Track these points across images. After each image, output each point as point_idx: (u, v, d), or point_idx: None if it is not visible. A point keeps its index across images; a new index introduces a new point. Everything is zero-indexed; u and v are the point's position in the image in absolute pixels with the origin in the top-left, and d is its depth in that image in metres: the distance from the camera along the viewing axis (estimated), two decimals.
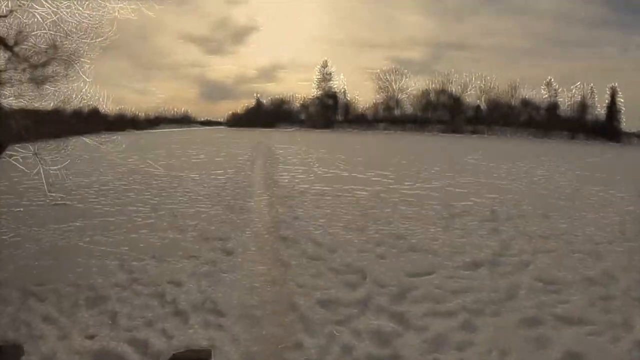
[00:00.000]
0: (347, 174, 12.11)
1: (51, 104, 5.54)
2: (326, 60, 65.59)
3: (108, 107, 6.55)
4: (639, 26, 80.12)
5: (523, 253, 5.31)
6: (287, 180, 10.73)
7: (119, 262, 4.78)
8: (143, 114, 76.24)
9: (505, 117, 60.03)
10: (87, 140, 6.31)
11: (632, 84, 55.37)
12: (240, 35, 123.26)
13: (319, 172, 12.57)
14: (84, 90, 5.67)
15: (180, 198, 8.46)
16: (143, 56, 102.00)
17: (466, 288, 4.10)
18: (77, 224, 6.43)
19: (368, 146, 27.28)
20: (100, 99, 6.00)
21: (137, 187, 9.98)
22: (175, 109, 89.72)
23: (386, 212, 7.44)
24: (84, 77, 5.81)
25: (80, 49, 5.22)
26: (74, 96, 5.80)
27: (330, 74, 65.26)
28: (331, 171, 12.75)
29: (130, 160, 16.39)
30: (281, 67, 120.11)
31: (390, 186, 10.13)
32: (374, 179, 11.33)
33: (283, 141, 29.29)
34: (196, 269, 4.56)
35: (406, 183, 10.62)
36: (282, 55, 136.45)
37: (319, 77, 65.56)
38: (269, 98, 74.09)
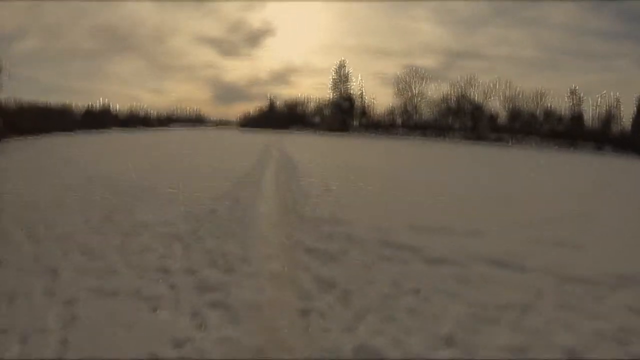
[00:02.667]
0: (406, 197, 7.59)
1: None
2: (343, 60, 61.10)
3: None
4: None
5: None
6: (316, 209, 6.23)
7: None
8: (155, 113, 74.38)
9: (527, 126, 55.21)
10: None
11: None
12: (254, 38, 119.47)
13: (362, 192, 8.00)
14: None
15: (115, 248, 4.09)
16: (158, 57, 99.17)
17: None
18: None
19: (402, 153, 22.74)
20: None
21: (75, 208, 5.71)
22: (189, 109, 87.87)
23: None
24: None
25: None
26: None
27: (347, 75, 60.89)
28: (380, 192, 8.17)
29: (103, 162, 12.15)
30: (294, 71, 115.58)
31: (496, 226, 5.65)
32: (453, 214, 6.84)
33: (299, 144, 24.91)
34: None
35: (515, 237, 6.07)
36: (295, 59, 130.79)
37: (335, 78, 61.18)
38: (283, 100, 69.99)
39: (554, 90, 56.09)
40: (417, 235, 4.91)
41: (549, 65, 77.64)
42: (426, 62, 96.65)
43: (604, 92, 54.33)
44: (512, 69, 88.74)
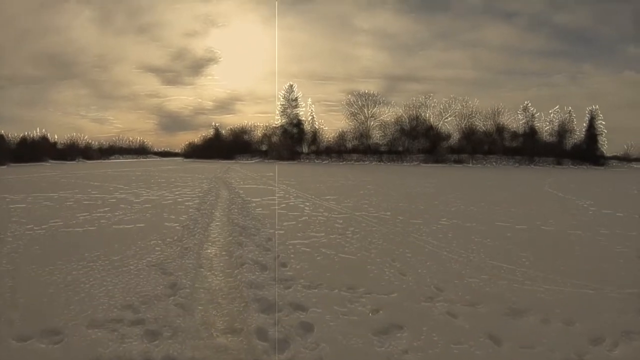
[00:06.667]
0: None
1: None
2: (291, 85, 55.49)
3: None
4: (587, 55, 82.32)
5: None
6: None
7: None
8: (97, 144, 68.70)
9: (480, 144, 52.09)
10: None
11: (582, 109, 53.06)
12: (198, 66, 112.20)
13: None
14: None
15: None
16: (101, 85, 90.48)
17: None
18: None
19: (383, 185, 16.75)
20: None
21: None
22: (132, 139, 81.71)
23: None
24: None
25: None
26: None
27: (296, 99, 55.27)
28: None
29: None
30: (238, 99, 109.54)
31: None
32: None
33: (251, 178, 18.27)
34: None
35: None
36: (239, 87, 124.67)
37: (284, 103, 55.32)
38: (228, 128, 63.30)
39: (498, 108, 53.86)
40: None
41: (490, 85, 79.11)
42: (368, 86, 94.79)
43: (557, 107, 53.06)
44: (455, 89, 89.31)
